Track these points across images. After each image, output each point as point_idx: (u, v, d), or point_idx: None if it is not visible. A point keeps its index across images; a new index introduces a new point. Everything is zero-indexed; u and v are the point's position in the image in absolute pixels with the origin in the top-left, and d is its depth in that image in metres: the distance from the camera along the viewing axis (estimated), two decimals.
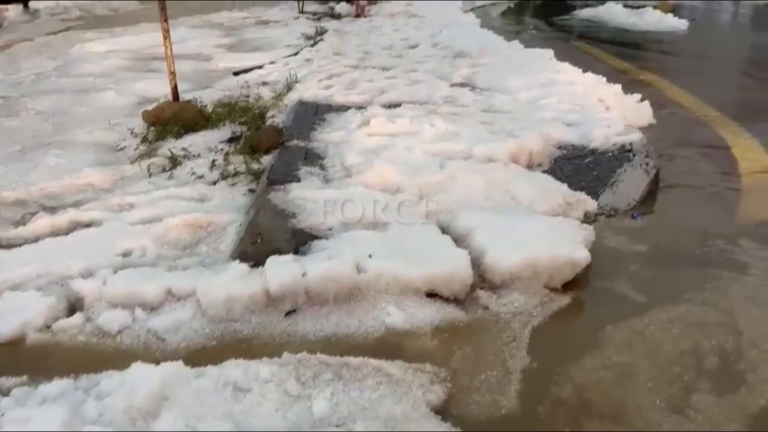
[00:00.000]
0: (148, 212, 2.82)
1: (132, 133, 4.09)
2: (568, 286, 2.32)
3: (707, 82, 6.10)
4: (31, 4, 12.45)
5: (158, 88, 5.07)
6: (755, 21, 12.53)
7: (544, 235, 2.45)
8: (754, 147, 3.91)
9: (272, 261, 2.21)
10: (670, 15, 10.43)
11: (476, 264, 2.32)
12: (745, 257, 2.54)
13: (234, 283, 2.15)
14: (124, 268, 2.36)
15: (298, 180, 3.07)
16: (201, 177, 3.29)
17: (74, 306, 2.20)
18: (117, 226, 2.72)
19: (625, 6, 11.89)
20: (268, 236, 2.50)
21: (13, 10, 11.67)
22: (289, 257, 2.25)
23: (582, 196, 2.96)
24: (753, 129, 4.26)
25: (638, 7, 11.76)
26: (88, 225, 2.76)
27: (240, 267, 2.24)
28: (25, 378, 1.84)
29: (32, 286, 2.27)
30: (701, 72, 6.74)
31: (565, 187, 3.01)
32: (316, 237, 2.50)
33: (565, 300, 2.25)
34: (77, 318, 2.12)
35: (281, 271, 2.15)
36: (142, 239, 2.58)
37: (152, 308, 2.18)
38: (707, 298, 2.24)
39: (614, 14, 11.28)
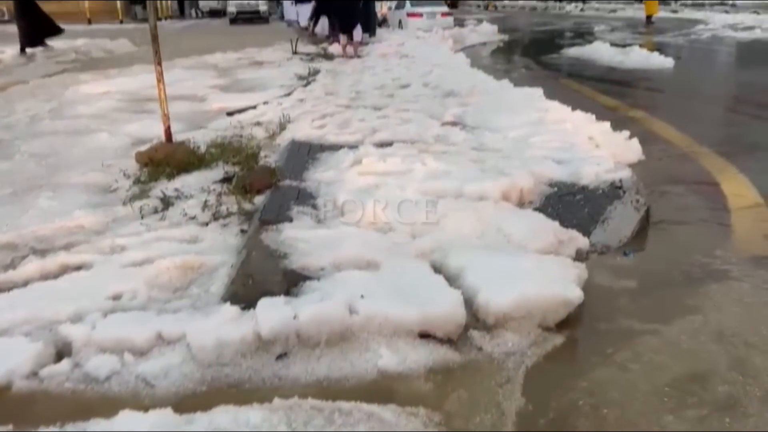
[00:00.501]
0: (139, 254, 2.81)
1: (125, 174, 4.11)
2: (561, 325, 2.30)
3: (694, 118, 6.20)
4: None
5: (152, 129, 5.10)
6: (739, 59, 12.84)
7: (536, 274, 2.45)
8: (741, 183, 3.95)
9: (263, 303, 2.19)
10: (656, 53, 10.67)
11: (469, 304, 2.31)
12: (738, 293, 2.54)
13: (224, 327, 2.13)
14: (114, 311, 2.34)
15: (290, 220, 3.08)
16: (193, 218, 3.29)
17: (62, 351, 2.16)
18: (107, 268, 2.70)
19: (612, 45, 12.18)
20: (259, 277, 2.49)
21: (9, 53, 11.83)
22: (281, 299, 2.24)
23: (573, 233, 2.97)
24: (740, 165, 4.32)
25: (624, 46, 12.05)
26: (79, 268, 2.74)
27: (231, 310, 2.22)
28: (10, 427, 1.80)
29: (20, 332, 2.23)
30: (688, 109, 6.86)
31: (556, 224, 3.02)
32: (308, 277, 2.49)
33: (559, 339, 2.23)
34: (65, 364, 2.09)
35: (272, 313, 2.13)
36: (132, 282, 2.56)
37: (142, 353, 2.14)
38: (701, 334, 2.23)
39: (601, 53, 11.55)
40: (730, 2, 25.75)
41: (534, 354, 2.15)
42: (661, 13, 26.18)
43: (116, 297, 2.48)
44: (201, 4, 35.12)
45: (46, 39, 12.92)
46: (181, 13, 36.45)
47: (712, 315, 2.38)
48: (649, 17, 22.18)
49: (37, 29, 12.74)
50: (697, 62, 11.83)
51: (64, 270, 2.73)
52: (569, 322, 2.31)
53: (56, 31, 13.07)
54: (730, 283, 2.63)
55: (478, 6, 46.29)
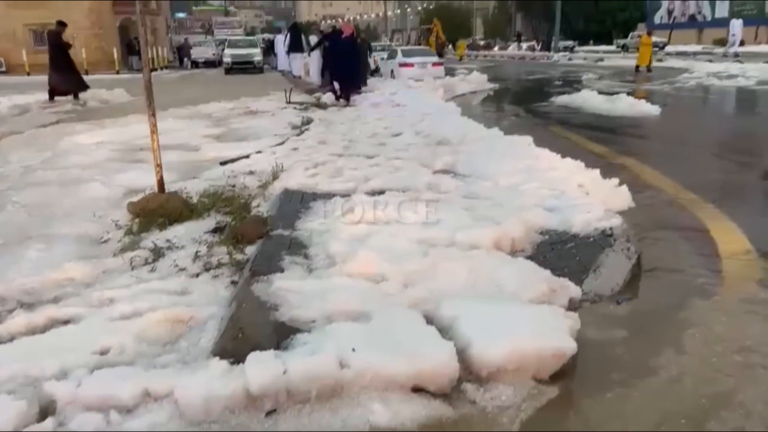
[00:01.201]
0: (128, 307, 2.77)
1: (116, 225, 4.10)
2: (555, 377, 2.27)
3: (682, 165, 6.29)
4: (21, 98, 12.91)
5: (145, 179, 5.11)
6: (723, 106, 13.14)
7: (530, 324, 2.43)
8: (730, 229, 3.98)
9: (253, 358, 2.16)
10: (643, 101, 10.91)
11: (462, 355, 2.29)
12: (733, 340, 2.52)
13: (213, 383, 2.08)
14: (101, 367, 2.29)
15: (282, 270, 3.06)
16: (184, 269, 3.27)
17: (46, 410, 2.11)
18: (96, 322, 2.66)
19: (600, 93, 12.45)
20: (249, 331, 2.46)
21: (3, 104, 11.97)
22: (271, 353, 2.20)
23: (566, 282, 2.96)
24: (728, 211, 4.37)
25: (612, 94, 12.32)
26: (67, 322, 2.70)
27: (220, 364, 2.18)
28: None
29: (3, 390, 2.18)
30: (675, 155, 6.97)
31: (548, 273, 3.02)
32: (299, 330, 2.46)
33: (553, 392, 2.20)
34: (49, 423, 2.03)
35: (262, 369, 2.09)
36: (121, 336, 2.52)
37: (128, 410, 2.09)
38: (697, 384, 2.21)
39: (589, 101, 11.79)
40: (734, 54, 26.13)
41: (528, 407, 2.12)
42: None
43: (104, 352, 2.44)
44: (194, 53, 35.61)
45: (74, 93, 13.55)
46: (180, 63, 36.94)
47: (707, 363, 2.36)
48: (638, 67, 22.41)
49: (67, 82, 13.40)
50: (683, 110, 12.08)
51: (51, 324, 2.69)
52: (563, 374, 2.29)
53: (83, 88, 13.63)
54: (725, 332, 2.62)
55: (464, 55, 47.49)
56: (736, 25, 24.63)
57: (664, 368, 2.36)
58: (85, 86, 13.67)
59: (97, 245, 3.82)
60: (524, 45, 55.27)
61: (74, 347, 2.43)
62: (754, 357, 2.40)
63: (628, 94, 12.07)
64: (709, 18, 45.67)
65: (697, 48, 36.59)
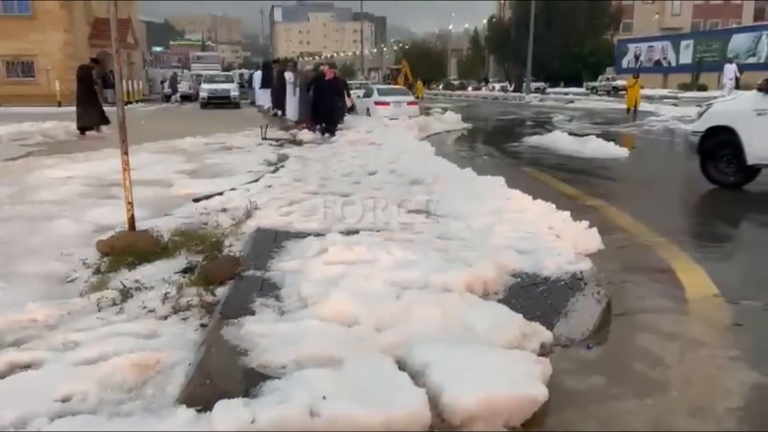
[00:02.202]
0: (93, 351, 2.69)
1: (84, 263, 4.01)
2: (527, 424, 2.27)
3: (649, 207, 6.44)
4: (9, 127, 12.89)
5: (116, 216, 5.03)
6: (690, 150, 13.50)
7: (502, 371, 2.42)
8: (697, 272, 4.06)
9: (220, 406, 2.11)
10: (612, 143, 11.20)
11: (434, 403, 2.27)
12: (705, 382, 2.55)
13: None
14: (63, 415, 2.21)
15: (253, 313, 3.02)
16: (152, 311, 3.20)
17: None
18: (58, 367, 2.57)
19: (570, 134, 12.75)
20: (217, 377, 2.41)
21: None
22: (239, 401, 2.16)
23: (538, 327, 2.97)
24: (694, 255, 4.47)
25: (582, 135, 12.62)
26: (28, 366, 2.61)
27: (186, 413, 2.13)
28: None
29: None
30: (643, 197, 7.13)
31: (520, 317, 3.03)
32: (269, 377, 2.41)
33: None
34: None
35: (229, 417, 2.04)
36: (84, 382, 2.44)
37: None
38: (671, 428, 2.22)
39: (560, 142, 12.07)
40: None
41: None
42: (616, 104, 27.69)
43: (66, 399, 2.36)
44: (166, 87, 35.20)
45: (96, 127, 13.79)
46: (167, 99, 34.77)
47: (679, 409, 2.37)
48: (629, 109, 22.10)
49: (92, 115, 13.72)
50: (650, 152, 12.41)
51: (11, 369, 2.60)
52: (535, 421, 2.28)
53: (105, 122, 13.75)
54: (697, 376, 2.65)
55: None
56: (730, 69, 25.20)
57: (636, 414, 2.37)
58: (107, 120, 13.77)
59: (63, 285, 3.73)
60: (497, 86, 56.71)
61: (35, 394, 2.35)
62: (724, 396, 2.43)
63: (598, 136, 12.38)
64: (673, 63, 47.50)
65: (664, 92, 37.83)
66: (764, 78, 7.02)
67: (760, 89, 6.84)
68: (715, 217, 6.36)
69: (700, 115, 7.84)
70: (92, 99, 13.90)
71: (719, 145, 7.29)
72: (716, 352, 2.91)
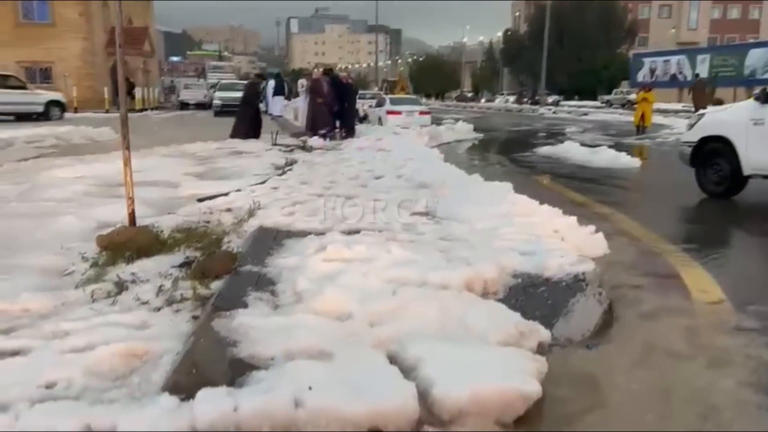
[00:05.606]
0: (82, 340, 2.66)
1: (83, 257, 4.00)
2: (519, 422, 2.19)
3: (659, 216, 6.34)
4: (6, 132, 12.90)
5: (120, 214, 5.00)
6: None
7: (494, 367, 2.36)
8: (704, 278, 3.97)
9: (203, 394, 2.06)
10: (624, 153, 11.08)
11: (424, 398, 2.21)
12: (705, 388, 2.47)
13: (160, 419, 1.98)
14: (45, 401, 2.18)
15: (245, 306, 2.98)
16: (146, 303, 3.17)
17: None
18: (46, 355, 2.54)
19: (582, 145, 12.65)
20: (204, 366, 2.36)
21: None
22: (222, 390, 2.11)
23: (536, 326, 2.90)
24: (702, 261, 4.37)
25: (594, 146, 12.52)
26: (15, 353, 2.58)
27: (169, 400, 2.08)
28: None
29: None
30: (653, 206, 7.03)
31: (518, 316, 2.96)
32: (256, 367, 2.36)
33: None
34: None
35: (211, 405, 2.00)
36: (70, 369, 2.41)
37: None
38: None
39: (572, 152, 11.97)
40: None
41: None
42: (629, 117, 27.49)
43: (50, 385, 2.33)
44: (184, 95, 35.57)
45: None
46: (183, 107, 35.37)
47: (677, 411, 2.29)
48: (638, 128, 18.73)
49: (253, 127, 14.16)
50: (662, 163, 12.26)
51: None
52: (527, 419, 2.21)
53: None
54: (696, 380, 2.56)
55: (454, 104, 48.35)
56: None
57: (631, 416, 2.29)
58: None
59: (61, 277, 3.71)
60: (511, 98, 56.64)
61: (19, 380, 2.32)
62: (724, 404, 2.35)
63: (610, 147, 12.26)
64: (689, 78, 47.11)
65: (678, 106, 37.57)
66: (761, 88, 6.88)
67: (757, 98, 6.71)
68: (724, 226, 6.24)
69: (692, 125, 7.73)
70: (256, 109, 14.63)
71: (712, 155, 7.17)
72: (718, 355, 2.82)
